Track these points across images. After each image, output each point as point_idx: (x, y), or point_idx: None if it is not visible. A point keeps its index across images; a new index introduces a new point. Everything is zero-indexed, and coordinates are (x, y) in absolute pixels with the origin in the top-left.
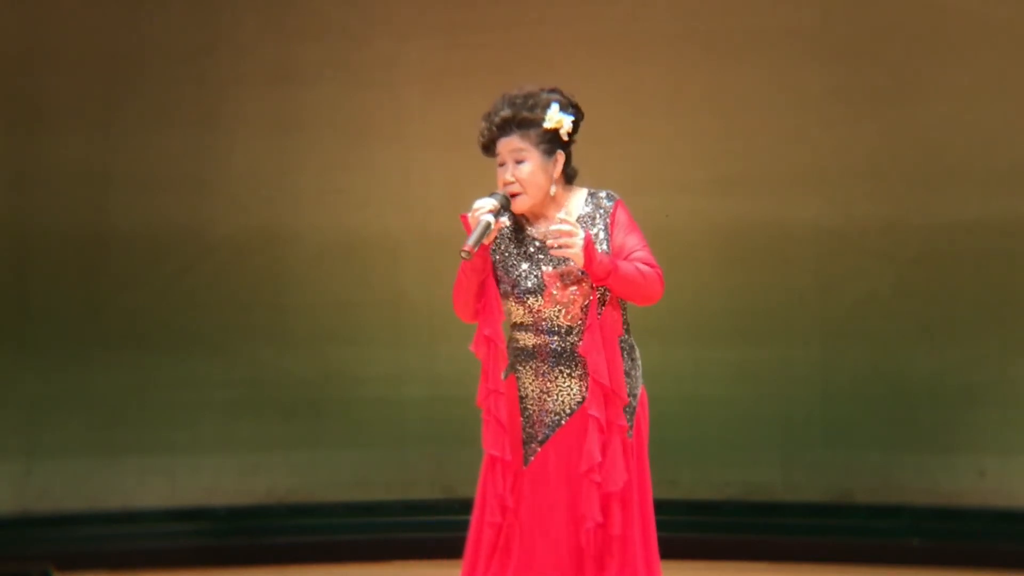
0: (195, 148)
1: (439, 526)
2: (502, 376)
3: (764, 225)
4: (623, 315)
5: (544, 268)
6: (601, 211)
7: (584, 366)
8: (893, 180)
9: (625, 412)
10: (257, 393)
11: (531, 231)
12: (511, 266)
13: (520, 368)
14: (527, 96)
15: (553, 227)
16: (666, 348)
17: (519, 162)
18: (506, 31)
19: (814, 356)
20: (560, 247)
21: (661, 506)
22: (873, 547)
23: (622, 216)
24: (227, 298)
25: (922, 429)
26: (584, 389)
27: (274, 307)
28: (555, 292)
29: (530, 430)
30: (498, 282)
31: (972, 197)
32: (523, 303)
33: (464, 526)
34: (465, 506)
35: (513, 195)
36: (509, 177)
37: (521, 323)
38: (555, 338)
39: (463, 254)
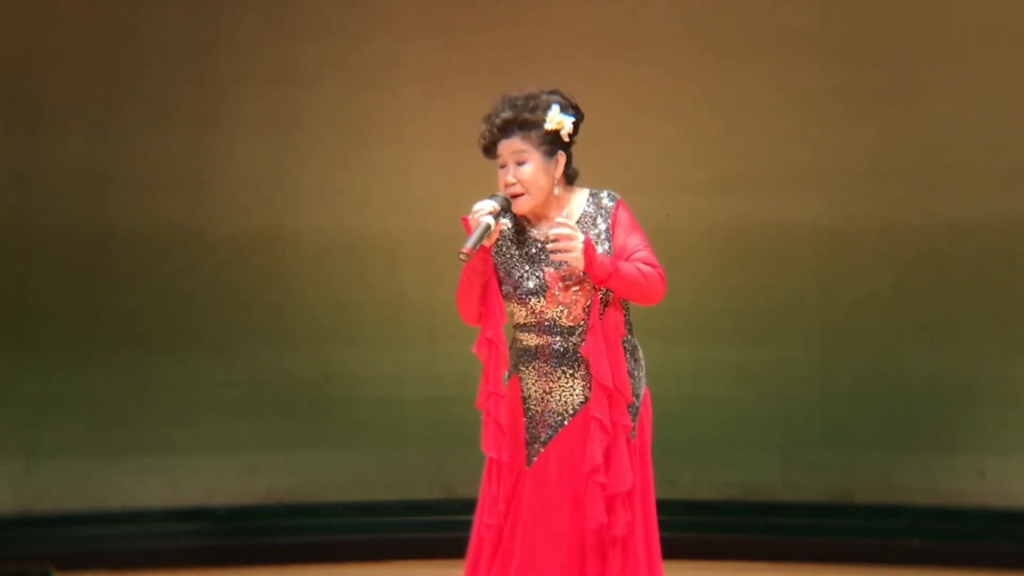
0: (195, 148)
1: (439, 526)
2: (505, 377)
3: (764, 225)
4: (625, 315)
5: (546, 269)
6: (602, 211)
7: (586, 366)
8: (893, 180)
9: (628, 412)
10: (257, 393)
11: (532, 232)
12: (513, 267)
13: (523, 369)
14: (528, 98)
15: (553, 231)
16: (666, 348)
17: (520, 163)
18: (506, 31)
19: (814, 356)
20: (560, 251)
21: (661, 506)
22: (873, 547)
23: (623, 216)
24: (227, 298)
25: (922, 429)
26: (587, 389)
27: (274, 307)
28: (557, 293)
29: (533, 430)
30: (500, 283)
31: (972, 197)
32: (525, 304)
33: (464, 526)
34: (465, 506)
35: (514, 196)
36: (510, 179)
37: (524, 324)
38: (557, 338)
39: (461, 256)
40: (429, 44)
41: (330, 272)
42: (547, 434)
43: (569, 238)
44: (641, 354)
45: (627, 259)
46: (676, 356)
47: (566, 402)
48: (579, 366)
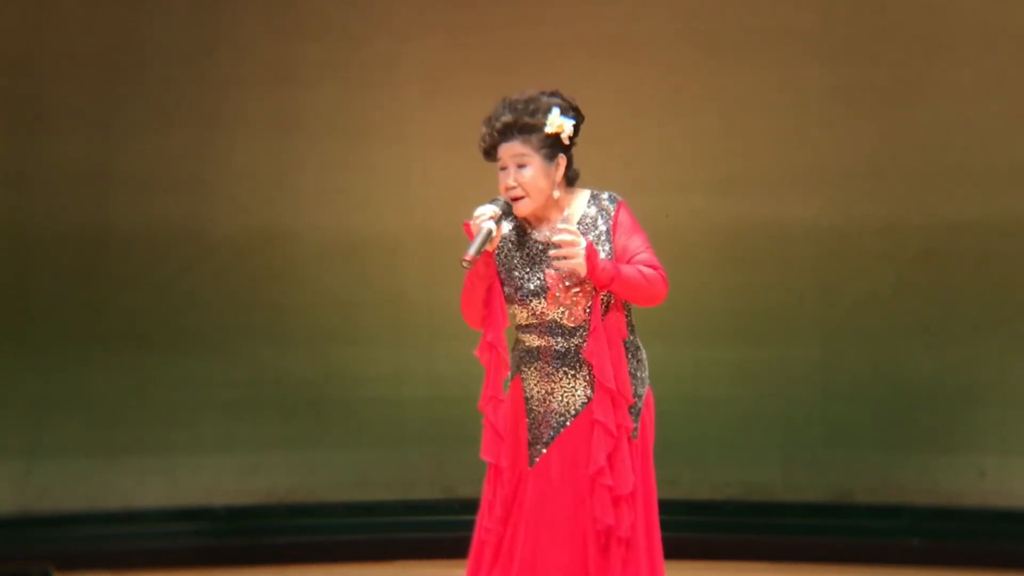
0: (195, 148)
1: (439, 526)
2: (508, 378)
3: (764, 225)
4: (627, 317)
5: (547, 270)
6: (603, 213)
7: (588, 367)
8: (893, 180)
9: (630, 413)
10: (257, 393)
11: (533, 234)
12: (513, 269)
13: (525, 370)
14: (528, 101)
15: (555, 237)
16: (666, 348)
17: (521, 167)
18: (506, 31)
19: (814, 356)
20: (563, 257)
21: (661, 506)
22: (873, 547)
23: (625, 218)
24: (227, 298)
25: (922, 429)
26: (588, 390)
27: (274, 307)
28: (558, 294)
29: (536, 431)
30: (501, 285)
31: (972, 197)
32: (526, 305)
33: (464, 526)
34: (465, 506)
35: (515, 200)
36: (511, 182)
37: (525, 325)
38: (559, 339)
39: (464, 263)
40: (429, 44)
41: (330, 272)
42: (549, 435)
43: (571, 244)
44: (644, 355)
45: (629, 261)
46: (676, 356)
47: (568, 403)
48: (581, 367)
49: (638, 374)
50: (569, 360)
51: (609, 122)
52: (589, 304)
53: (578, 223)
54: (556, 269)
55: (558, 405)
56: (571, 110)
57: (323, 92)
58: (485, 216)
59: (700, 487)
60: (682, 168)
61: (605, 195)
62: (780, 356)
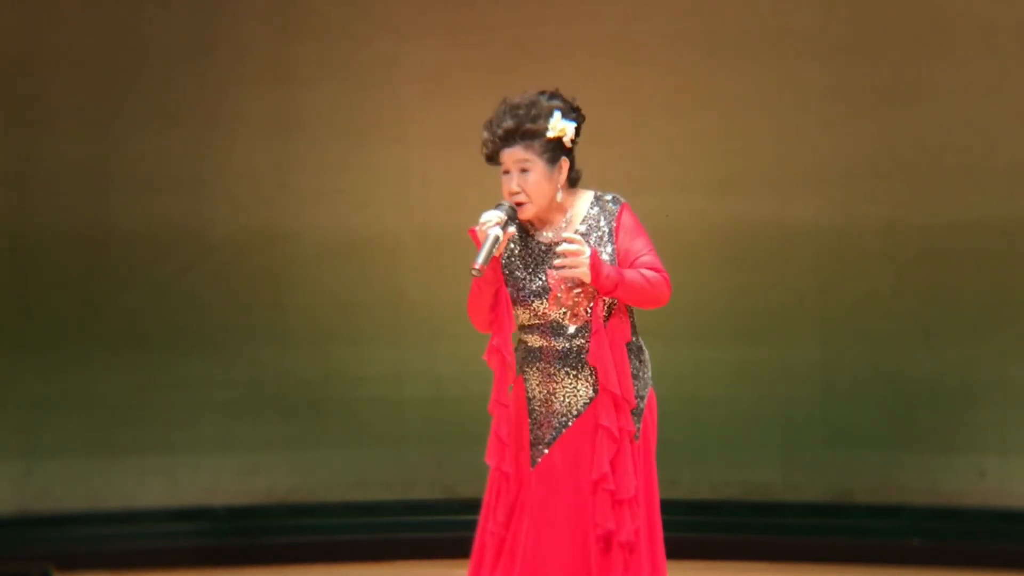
0: (195, 148)
1: (439, 526)
2: (513, 379)
3: (764, 225)
4: (631, 319)
5: (548, 271)
6: (606, 214)
7: (590, 368)
8: (893, 180)
9: (632, 415)
10: (257, 393)
11: (536, 236)
12: (516, 270)
13: (527, 370)
14: (529, 105)
15: (560, 248)
16: (666, 348)
17: (524, 171)
18: (506, 31)
19: (814, 356)
20: (567, 267)
21: (662, 506)
22: (873, 547)
23: (628, 220)
24: (227, 298)
25: (922, 429)
26: (590, 390)
27: (274, 307)
28: (560, 295)
29: (537, 432)
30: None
31: (972, 197)
32: (528, 306)
33: (464, 526)
34: (465, 506)
35: (519, 204)
36: (515, 187)
37: (527, 326)
38: (561, 340)
39: (474, 272)
40: (429, 44)
41: (330, 272)
42: (551, 435)
43: (576, 253)
44: (647, 355)
45: (632, 263)
46: (676, 356)
47: (570, 403)
48: (583, 367)
49: (640, 374)
50: (571, 360)
51: (609, 122)
52: (590, 305)
53: (580, 224)
54: (562, 276)
55: (560, 406)
56: (572, 111)
57: (323, 92)
58: (491, 222)
59: (700, 487)
60: (682, 168)
61: (609, 196)
62: (780, 356)
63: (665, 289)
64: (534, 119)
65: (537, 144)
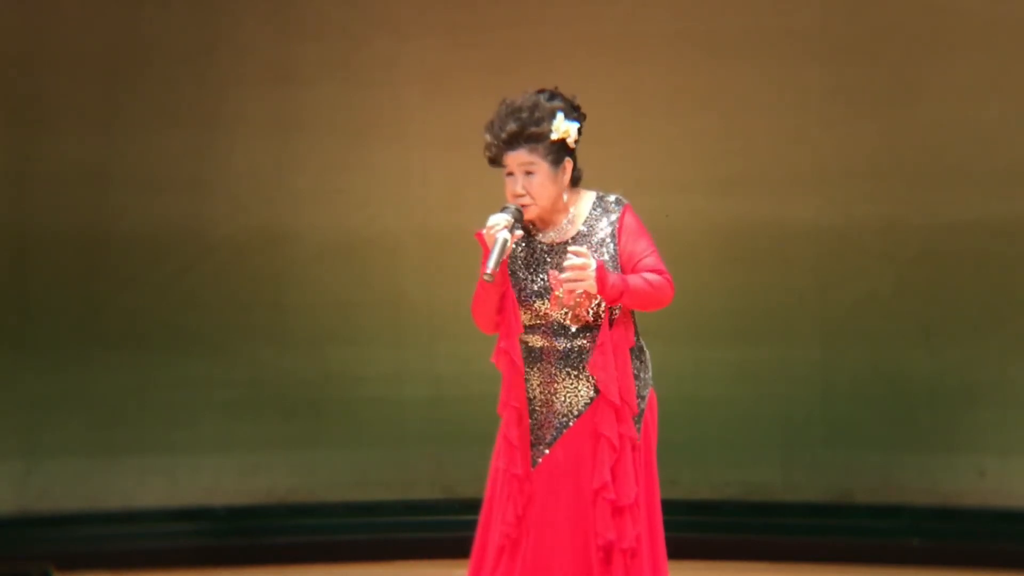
0: (195, 148)
1: (439, 526)
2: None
3: (764, 225)
4: (634, 323)
5: (550, 271)
6: (609, 215)
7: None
8: (893, 180)
9: (633, 421)
10: (257, 393)
11: (538, 236)
12: (517, 270)
13: (528, 370)
14: (532, 108)
15: (566, 263)
16: (666, 348)
17: (528, 173)
18: (506, 31)
19: (814, 356)
20: (574, 280)
21: (662, 506)
22: (873, 547)
23: (631, 221)
24: (227, 298)
25: (922, 429)
26: (591, 391)
27: (274, 307)
28: (560, 295)
29: (538, 432)
30: None
31: (972, 197)
32: (530, 307)
33: (464, 526)
34: (465, 506)
35: (524, 206)
36: (520, 189)
37: (528, 326)
38: (562, 340)
39: (486, 277)
40: (429, 44)
41: (330, 272)
42: (551, 436)
43: (582, 267)
44: (648, 356)
45: (635, 265)
46: (676, 356)
47: (571, 404)
48: (583, 367)
49: (641, 375)
50: (572, 361)
51: (609, 122)
52: (592, 305)
53: (582, 224)
54: (559, 267)
55: (561, 406)
56: (573, 111)
57: (323, 92)
58: (500, 226)
59: (700, 487)
60: (682, 168)
61: (612, 198)
62: (780, 356)
63: (668, 291)
64: (538, 122)
65: (541, 147)
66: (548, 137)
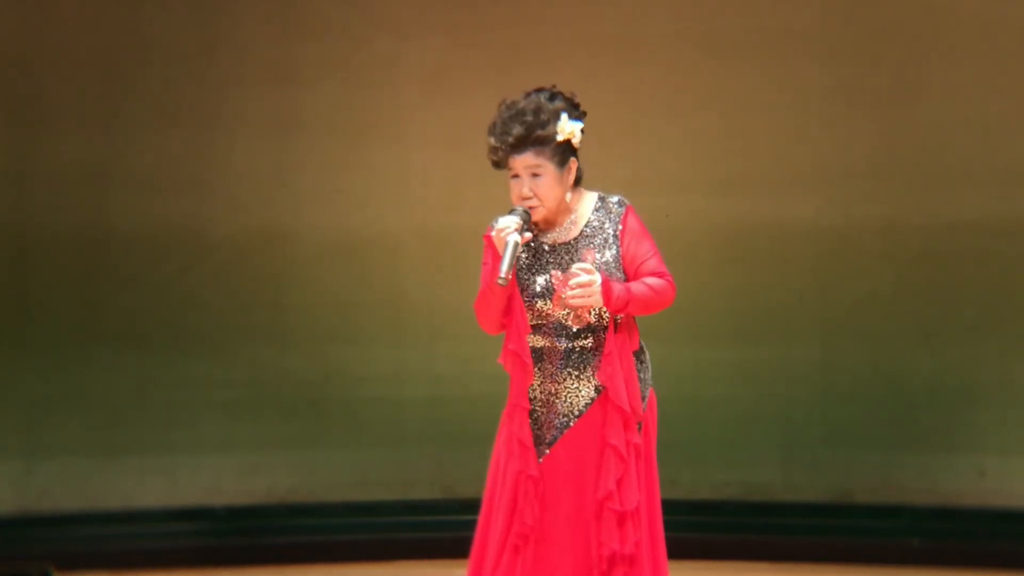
0: (195, 148)
1: (439, 526)
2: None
3: (764, 225)
4: (636, 326)
5: (552, 272)
6: (611, 217)
7: (593, 368)
8: (893, 180)
9: (635, 427)
10: (257, 393)
11: (540, 236)
12: (520, 270)
13: None
14: (536, 111)
15: (572, 281)
16: (666, 348)
17: (535, 175)
18: (506, 31)
19: (814, 356)
20: (579, 297)
21: (662, 506)
22: (873, 547)
23: (633, 223)
24: (227, 298)
25: (922, 429)
26: (592, 391)
27: (274, 307)
28: (564, 295)
29: (539, 432)
30: None
31: (972, 197)
32: (532, 306)
33: (464, 526)
34: (465, 506)
35: (531, 208)
36: (527, 191)
37: (531, 326)
38: (564, 340)
39: (500, 281)
40: (429, 44)
41: (330, 272)
42: (552, 436)
43: (587, 284)
44: (647, 356)
45: (637, 268)
46: (676, 356)
47: (572, 404)
48: (585, 368)
49: (642, 375)
50: (574, 361)
51: (609, 122)
52: (593, 306)
53: (584, 226)
54: (561, 268)
55: (562, 406)
56: (575, 110)
57: (323, 92)
58: (510, 229)
59: (700, 487)
60: (682, 168)
61: (614, 199)
62: (780, 356)
63: (671, 293)
64: (543, 124)
65: (548, 149)
66: (554, 139)
